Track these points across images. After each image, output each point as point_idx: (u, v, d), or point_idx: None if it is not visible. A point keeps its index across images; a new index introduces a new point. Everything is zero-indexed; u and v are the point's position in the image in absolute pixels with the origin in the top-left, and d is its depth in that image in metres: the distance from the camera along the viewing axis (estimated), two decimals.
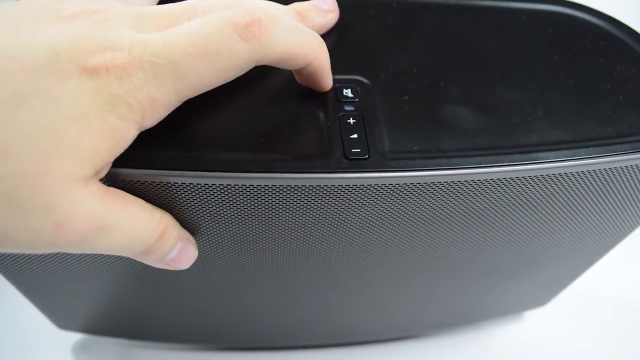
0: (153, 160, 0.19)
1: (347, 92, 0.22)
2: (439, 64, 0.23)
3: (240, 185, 0.19)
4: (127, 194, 0.19)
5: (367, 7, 0.26)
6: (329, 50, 0.23)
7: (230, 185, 0.19)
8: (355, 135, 0.20)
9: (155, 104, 0.17)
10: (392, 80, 0.22)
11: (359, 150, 0.20)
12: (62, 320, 0.36)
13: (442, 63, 0.24)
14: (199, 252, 0.24)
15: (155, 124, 0.18)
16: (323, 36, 0.24)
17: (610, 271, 0.44)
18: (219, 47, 0.17)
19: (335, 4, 0.24)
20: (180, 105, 0.19)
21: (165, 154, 0.19)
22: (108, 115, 0.16)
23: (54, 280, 0.28)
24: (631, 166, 0.22)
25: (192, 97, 0.18)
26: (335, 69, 0.23)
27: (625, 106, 0.23)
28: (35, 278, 0.28)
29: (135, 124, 0.17)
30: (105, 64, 0.16)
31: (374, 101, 0.21)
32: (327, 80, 0.21)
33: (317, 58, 0.20)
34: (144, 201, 0.19)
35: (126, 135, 0.17)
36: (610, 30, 0.26)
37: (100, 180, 0.18)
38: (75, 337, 0.40)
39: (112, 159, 0.18)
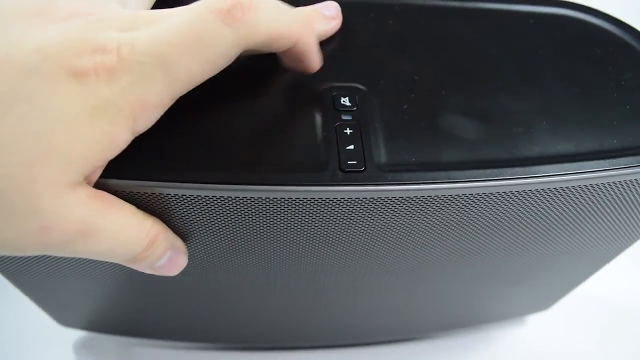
0: (145, 171, 0.18)
1: (345, 101, 0.21)
2: (440, 70, 0.23)
3: (233, 197, 0.19)
4: (118, 199, 0.19)
5: (368, 10, 0.25)
6: (328, 55, 0.23)
7: (223, 197, 0.19)
8: (351, 147, 0.20)
9: (146, 105, 0.17)
10: (391, 88, 0.22)
11: (355, 162, 0.19)
12: (64, 318, 0.36)
13: (443, 70, 0.23)
14: (194, 257, 0.23)
15: (149, 126, 0.18)
16: (322, 41, 0.23)
17: (612, 275, 0.43)
18: (203, 36, 0.17)
19: (339, 10, 0.24)
20: (173, 116, 0.18)
21: (158, 165, 0.19)
22: (98, 120, 0.16)
23: (54, 279, 0.28)
24: (637, 180, 0.21)
25: (183, 94, 0.18)
26: (333, 75, 0.22)
27: (632, 117, 0.22)
28: (35, 277, 0.28)
29: (127, 128, 0.17)
30: (94, 66, 0.16)
31: (372, 110, 0.21)
32: (314, 60, 0.21)
33: (303, 37, 0.20)
34: (135, 208, 0.19)
35: (117, 141, 0.17)
36: (619, 35, 0.25)
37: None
38: (76, 334, 0.41)
39: (103, 164, 0.17)
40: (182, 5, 0.18)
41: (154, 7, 0.22)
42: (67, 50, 0.16)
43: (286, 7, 0.20)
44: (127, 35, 0.17)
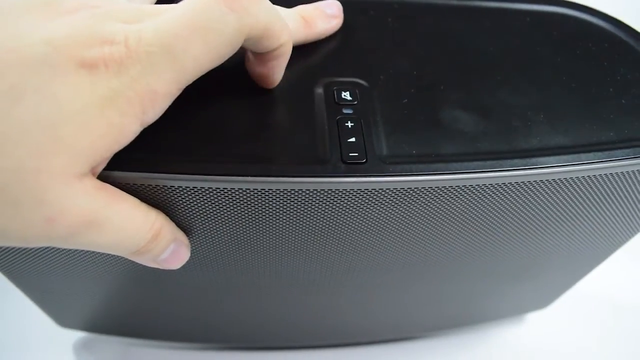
0: (148, 163, 0.19)
1: (346, 95, 0.21)
2: (439, 66, 0.23)
3: (236, 189, 0.19)
4: (122, 192, 0.19)
5: (367, 8, 0.25)
6: (328, 51, 0.23)
7: (226, 188, 0.19)
8: (353, 139, 0.20)
9: (155, 95, 0.17)
10: (391, 83, 0.22)
11: (356, 154, 0.19)
12: (63, 319, 0.36)
13: (442, 65, 0.23)
14: (196, 252, 0.24)
15: (157, 117, 0.18)
16: (324, 37, 0.24)
17: (611, 272, 0.43)
18: (209, 23, 0.17)
19: (341, 10, 0.24)
20: (177, 109, 0.18)
21: (161, 157, 0.19)
22: (107, 111, 0.16)
23: (55, 279, 0.29)
24: (633, 171, 0.22)
25: (190, 82, 0.18)
26: (334, 71, 0.23)
27: (628, 110, 0.22)
28: (36, 277, 0.28)
29: (136, 119, 0.17)
30: (103, 57, 0.16)
31: (373, 104, 0.21)
32: (280, 73, 0.21)
33: (288, 42, 0.20)
34: (138, 201, 0.19)
35: (126, 132, 0.17)
36: (614, 33, 0.26)
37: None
38: (76, 335, 0.41)
39: (110, 155, 0.17)
40: None
41: (158, 2, 0.23)
42: (75, 43, 0.16)
43: (281, 9, 0.20)
44: (134, 27, 0.17)
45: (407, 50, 0.24)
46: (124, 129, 0.17)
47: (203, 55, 0.17)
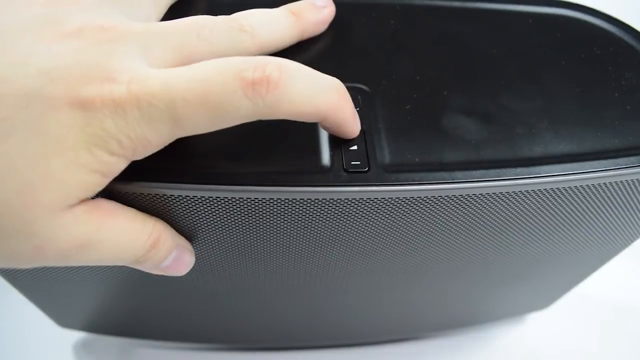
0: (148, 172, 0.18)
1: None
2: (442, 70, 0.23)
3: (237, 198, 0.19)
4: (116, 205, 0.19)
5: (369, 10, 0.25)
6: (329, 55, 0.23)
7: (226, 198, 0.19)
8: (355, 147, 0.20)
9: (147, 143, 0.16)
10: (394, 88, 0.22)
11: (358, 162, 0.19)
12: (63, 319, 0.36)
13: (445, 70, 0.23)
14: (197, 258, 0.23)
15: (146, 156, 0.17)
16: (322, 40, 0.23)
17: (611, 273, 0.43)
18: (220, 101, 0.16)
19: (330, 1, 0.23)
20: None
21: (160, 166, 0.18)
22: (97, 150, 0.16)
23: (54, 282, 0.28)
24: (637, 179, 0.22)
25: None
26: (335, 76, 0.22)
27: (633, 116, 0.22)
28: (35, 280, 0.28)
29: (126, 159, 0.17)
30: (100, 96, 0.16)
31: (375, 111, 0.21)
32: (349, 131, 0.19)
33: (334, 115, 0.18)
34: (135, 211, 0.19)
35: (114, 169, 0.17)
36: (619, 36, 0.26)
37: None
38: (76, 335, 0.41)
39: (99, 189, 0.17)
40: (192, 14, 0.18)
41: (164, 18, 0.22)
42: (74, 77, 0.16)
43: (320, 83, 0.18)
44: (141, 70, 0.16)
45: (409, 54, 0.23)
46: (113, 167, 0.17)
47: (205, 124, 0.17)
